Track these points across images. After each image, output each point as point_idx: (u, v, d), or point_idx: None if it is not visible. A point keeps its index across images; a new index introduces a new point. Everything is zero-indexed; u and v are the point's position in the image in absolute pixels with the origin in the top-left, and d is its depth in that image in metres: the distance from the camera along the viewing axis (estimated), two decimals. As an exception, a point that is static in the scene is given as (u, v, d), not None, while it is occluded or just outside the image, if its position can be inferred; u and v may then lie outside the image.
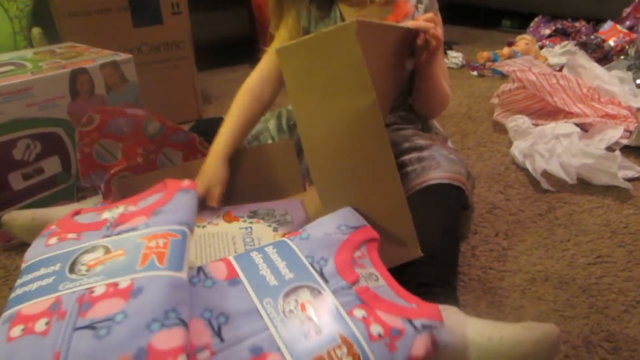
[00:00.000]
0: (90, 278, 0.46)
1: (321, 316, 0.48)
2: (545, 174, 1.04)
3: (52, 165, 0.92)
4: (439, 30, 0.74)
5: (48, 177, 0.92)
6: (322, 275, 0.53)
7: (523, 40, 1.93)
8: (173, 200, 0.57)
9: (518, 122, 1.21)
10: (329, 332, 0.47)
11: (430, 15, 0.75)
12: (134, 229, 0.52)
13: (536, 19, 2.25)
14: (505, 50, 1.89)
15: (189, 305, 0.45)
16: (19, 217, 0.83)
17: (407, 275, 0.68)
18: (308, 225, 0.61)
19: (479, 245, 0.86)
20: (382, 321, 0.49)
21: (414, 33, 0.75)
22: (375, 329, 0.48)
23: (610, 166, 0.98)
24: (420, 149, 0.83)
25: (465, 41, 2.30)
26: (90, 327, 0.41)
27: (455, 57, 1.97)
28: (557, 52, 1.84)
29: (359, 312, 0.50)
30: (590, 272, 0.78)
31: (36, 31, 1.36)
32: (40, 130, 0.89)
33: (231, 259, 0.55)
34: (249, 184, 0.90)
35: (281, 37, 0.89)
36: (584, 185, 1.02)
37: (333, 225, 0.60)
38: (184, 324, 0.43)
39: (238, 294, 0.50)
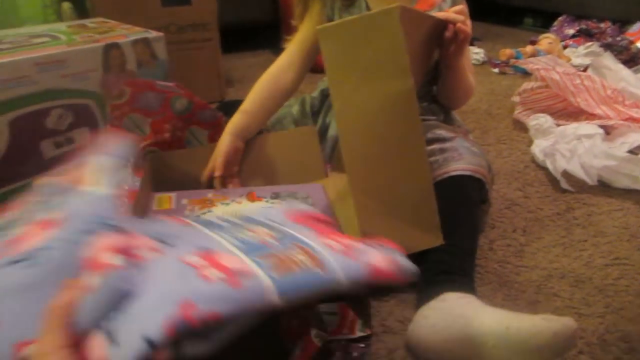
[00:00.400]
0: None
1: (276, 236, 0.48)
2: (565, 174, 1.05)
3: (82, 136, 0.94)
4: (468, 23, 0.75)
5: (78, 147, 0.94)
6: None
7: (547, 39, 1.92)
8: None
9: (540, 120, 1.22)
10: (284, 243, 0.46)
11: (460, 7, 0.76)
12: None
13: (560, 18, 2.23)
14: (528, 48, 1.88)
15: (129, 222, 0.44)
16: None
17: (427, 262, 0.70)
18: None
19: (497, 240, 0.87)
20: (338, 240, 0.49)
21: (443, 24, 0.75)
22: (331, 242, 0.48)
23: (632, 169, 0.99)
24: (442, 140, 0.83)
25: (486, 38, 2.29)
26: (23, 260, 0.38)
27: (476, 53, 1.96)
28: (581, 53, 1.83)
29: (312, 233, 0.50)
30: (607, 273, 0.78)
31: (66, 5, 1.37)
32: (73, 101, 0.90)
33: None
34: (272, 168, 0.91)
35: (305, 27, 0.90)
36: (604, 188, 1.03)
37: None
38: (120, 229, 0.42)
39: (190, 230, 0.49)
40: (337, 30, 0.65)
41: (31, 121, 0.86)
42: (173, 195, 0.82)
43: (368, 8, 0.84)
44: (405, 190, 0.67)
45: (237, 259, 0.43)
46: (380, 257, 0.47)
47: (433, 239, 0.68)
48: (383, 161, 0.67)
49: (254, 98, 0.88)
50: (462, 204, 0.75)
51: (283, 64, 0.89)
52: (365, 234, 0.66)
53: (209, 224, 0.51)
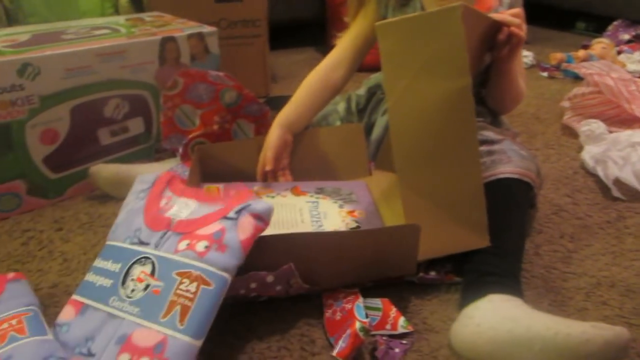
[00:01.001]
0: None
1: (155, 273, 0.52)
2: (617, 181, 1.01)
3: (136, 125, 0.98)
4: (523, 27, 0.74)
5: (132, 136, 0.98)
6: (141, 243, 0.56)
7: (600, 44, 1.86)
8: (6, 291, 0.61)
9: (592, 126, 1.18)
10: (167, 278, 0.51)
11: (517, 10, 0.75)
12: None
13: (615, 23, 2.15)
14: (581, 52, 1.83)
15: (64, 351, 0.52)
16: (104, 170, 0.89)
17: (472, 263, 0.69)
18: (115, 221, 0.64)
19: (543, 245, 0.85)
20: (203, 235, 0.54)
21: (497, 26, 0.75)
22: (201, 245, 0.53)
23: (689, 179, 0.95)
24: (490, 142, 0.82)
25: (535, 41, 2.23)
26: None
27: (525, 56, 1.91)
28: (636, 59, 1.77)
29: (183, 244, 0.54)
30: (660, 283, 0.76)
31: (123, 0, 1.42)
32: (129, 92, 0.94)
33: (73, 297, 0.58)
34: (317, 164, 0.92)
35: (358, 24, 0.90)
36: (657, 197, 0.99)
37: (132, 199, 0.64)
38: None
39: (90, 318, 0.53)
40: (397, 26, 0.65)
41: (90, 109, 0.90)
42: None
43: (423, 8, 0.84)
44: (455, 189, 0.67)
45: (149, 332, 0.49)
46: (244, 225, 0.55)
47: (479, 240, 0.68)
48: (434, 159, 0.67)
49: (303, 92, 0.89)
50: (509, 206, 0.74)
51: (334, 61, 0.90)
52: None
53: (94, 292, 0.56)
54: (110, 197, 0.92)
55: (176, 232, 0.56)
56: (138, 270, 0.53)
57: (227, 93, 0.91)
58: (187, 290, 0.50)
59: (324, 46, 2.03)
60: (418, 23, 0.64)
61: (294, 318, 0.67)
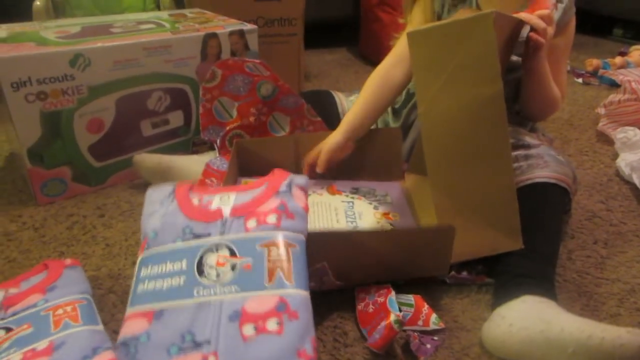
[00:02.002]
0: None
1: (237, 253, 0.55)
2: (653, 190, 1.00)
3: (176, 118, 1.01)
4: (549, 30, 0.73)
5: (172, 128, 1.01)
6: (198, 236, 0.57)
7: (638, 51, 1.83)
8: (63, 276, 0.63)
9: (628, 134, 1.17)
10: (253, 252, 0.54)
11: (546, 12, 0.73)
12: (32, 306, 0.58)
13: (654, 31, 2.11)
14: (618, 59, 1.80)
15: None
16: (147, 159, 0.92)
17: (506, 265, 0.70)
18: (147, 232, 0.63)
19: (576, 250, 0.85)
20: (267, 211, 0.57)
21: (522, 25, 0.75)
22: (272, 217, 0.57)
23: None
24: (527, 146, 0.82)
25: (571, 46, 2.20)
26: None
27: (560, 61, 1.89)
28: (675, 68, 1.73)
29: (252, 222, 0.57)
30: (695, 293, 0.75)
31: (165, -4, 1.46)
32: (172, 85, 0.97)
33: (134, 309, 0.53)
34: (354, 163, 0.93)
35: (415, 20, 0.91)
36: (695, 207, 0.98)
37: (156, 208, 0.64)
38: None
39: (173, 318, 0.51)
40: (428, 34, 0.66)
41: (134, 101, 0.94)
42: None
43: (478, 6, 0.84)
44: (487, 193, 0.68)
45: (261, 298, 0.52)
46: (298, 194, 0.61)
47: (513, 243, 0.68)
48: (466, 164, 0.68)
49: (366, 95, 0.88)
50: (545, 210, 0.74)
51: (394, 59, 0.89)
52: None
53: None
54: (149, 186, 0.95)
55: (237, 216, 0.58)
56: (214, 257, 0.54)
57: (264, 85, 0.92)
58: (280, 255, 0.53)
59: (356, 47, 2.04)
60: (450, 30, 0.64)
61: (327, 310, 0.68)
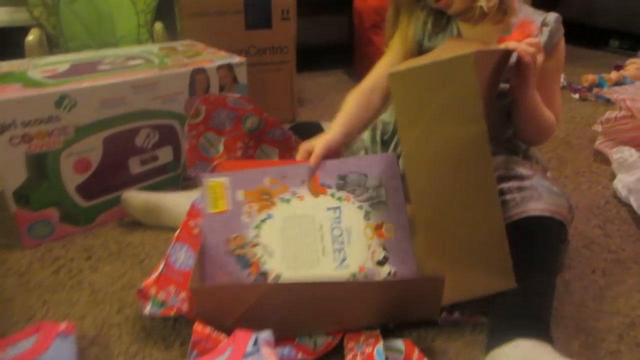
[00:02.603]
0: None
1: None
2: (652, 213, 0.98)
3: (165, 154, 1.00)
4: (539, 57, 0.71)
5: (161, 165, 1.00)
6: None
7: (634, 65, 1.82)
8: (51, 349, 0.59)
9: (624, 154, 1.15)
10: None
11: (535, 40, 0.72)
12: None
13: (650, 43, 2.11)
14: (613, 74, 1.79)
15: None
16: (135, 197, 0.92)
17: (499, 304, 0.68)
18: None
19: (573, 281, 0.83)
20: None
21: (510, 54, 0.74)
22: None
23: None
24: (520, 177, 0.80)
25: (567, 60, 2.17)
26: None
27: (556, 77, 1.88)
28: (673, 81, 1.72)
29: None
30: (697, 325, 0.73)
31: (158, 26, 1.47)
32: (160, 122, 0.97)
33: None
34: None
35: (394, 46, 0.90)
36: (695, 230, 0.96)
37: None
38: None
39: None
40: (409, 75, 0.65)
41: (122, 139, 0.93)
42: (226, 180, 0.77)
43: (459, 33, 0.84)
44: (476, 234, 0.66)
45: None
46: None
47: (506, 282, 0.66)
48: (452, 205, 0.67)
49: (344, 115, 0.86)
50: (540, 245, 0.72)
51: (373, 85, 0.88)
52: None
53: None
54: (139, 224, 0.94)
55: None
56: None
57: (249, 119, 0.91)
58: None
59: (352, 69, 2.04)
60: (430, 71, 0.64)
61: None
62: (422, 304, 0.68)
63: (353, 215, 0.76)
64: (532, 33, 0.78)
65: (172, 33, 1.45)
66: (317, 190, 0.78)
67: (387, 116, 1.03)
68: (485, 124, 0.62)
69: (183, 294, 0.69)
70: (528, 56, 0.70)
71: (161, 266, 0.69)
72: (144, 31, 1.44)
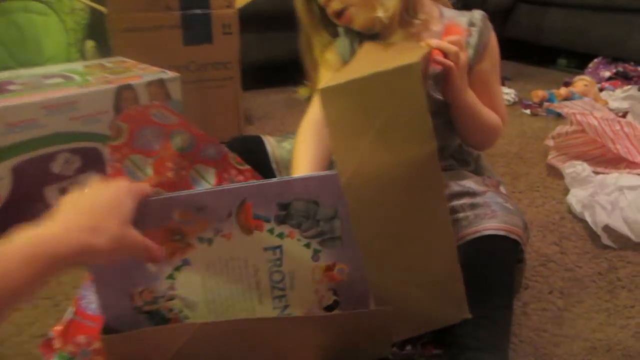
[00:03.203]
0: None
1: None
2: (607, 228, 0.96)
3: (89, 181, 0.91)
4: (462, 56, 0.67)
5: (84, 192, 0.91)
6: None
7: (582, 82, 1.84)
8: None
9: (577, 168, 1.13)
10: None
11: (456, 38, 0.68)
12: None
13: (595, 60, 2.16)
14: (563, 90, 1.81)
15: None
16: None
17: (454, 335, 0.62)
18: None
19: (531, 303, 0.78)
20: None
21: (430, 52, 0.69)
22: None
23: (682, 226, 0.89)
24: (473, 194, 0.75)
25: (518, 77, 2.22)
26: None
27: (507, 93, 1.89)
28: (619, 96, 1.75)
29: None
30: (660, 347, 0.69)
31: (89, 44, 1.38)
32: (81, 145, 0.88)
33: None
34: None
35: (325, 78, 0.83)
36: (649, 245, 0.93)
37: None
38: None
39: None
40: (345, 90, 0.55)
41: (36, 166, 0.83)
42: None
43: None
44: (426, 264, 0.59)
45: None
46: None
47: (459, 313, 0.60)
48: (401, 237, 0.58)
49: (301, 149, 0.79)
50: (495, 268, 0.67)
51: (315, 118, 0.80)
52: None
53: None
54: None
55: None
56: None
57: (179, 136, 0.82)
58: None
59: (302, 86, 1.99)
60: (370, 85, 0.55)
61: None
62: (370, 339, 0.60)
63: (298, 255, 0.59)
64: (460, 33, 0.75)
65: (106, 52, 1.36)
66: (249, 225, 0.57)
67: None
68: (435, 143, 0.55)
69: (96, 345, 0.59)
70: (451, 55, 0.66)
71: (69, 312, 0.60)
72: (74, 50, 1.35)
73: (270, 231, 0.57)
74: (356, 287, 0.61)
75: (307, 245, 0.58)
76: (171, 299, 0.58)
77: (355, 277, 0.60)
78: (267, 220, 0.57)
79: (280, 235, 0.58)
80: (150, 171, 0.81)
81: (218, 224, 0.56)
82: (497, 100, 0.80)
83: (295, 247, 0.58)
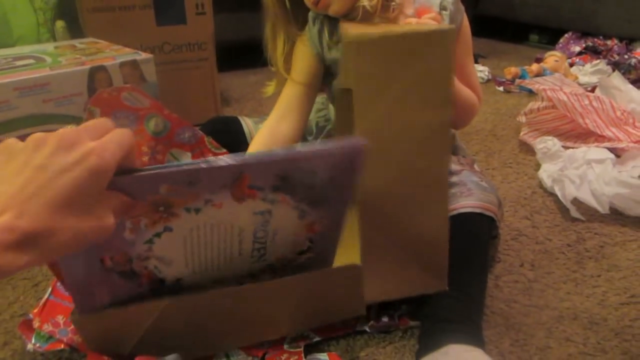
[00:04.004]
0: None
1: None
2: (575, 201, 0.99)
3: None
4: None
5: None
6: None
7: (552, 57, 1.87)
8: None
9: (547, 144, 1.16)
10: None
11: (433, 15, 0.69)
12: None
13: (566, 35, 2.19)
14: (534, 66, 1.84)
15: None
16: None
17: (430, 306, 0.64)
18: None
19: (503, 275, 0.81)
20: None
21: None
22: None
23: (646, 198, 0.93)
24: (449, 173, 0.78)
25: (491, 55, 2.25)
26: None
27: (481, 71, 1.92)
28: (588, 71, 1.79)
29: None
30: (623, 313, 0.73)
31: (59, 24, 1.34)
32: (54, 127, 0.86)
33: None
34: None
35: (298, 69, 0.82)
36: (616, 216, 0.97)
37: None
38: None
39: None
40: (375, 45, 0.54)
41: (10, 149, 0.82)
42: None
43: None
44: (419, 229, 0.61)
45: None
46: None
47: (438, 283, 0.63)
48: (400, 199, 0.60)
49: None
50: (471, 244, 0.69)
51: (277, 115, 0.81)
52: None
53: None
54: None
55: None
56: None
57: (153, 120, 0.81)
58: None
59: (268, 83, 1.98)
60: (400, 43, 0.54)
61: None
62: (342, 297, 0.61)
63: (285, 216, 0.57)
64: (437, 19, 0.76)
65: (77, 32, 1.33)
66: (243, 194, 0.54)
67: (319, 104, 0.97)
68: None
69: None
70: None
71: (47, 292, 0.60)
72: (44, 30, 1.32)
73: (263, 199, 0.54)
74: (329, 237, 0.61)
75: (296, 208, 0.57)
76: (146, 259, 0.55)
77: (330, 228, 0.60)
78: (261, 189, 0.53)
79: (272, 201, 0.55)
80: None
81: (210, 195, 0.52)
82: (473, 80, 0.81)
83: (285, 209, 0.56)
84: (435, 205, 0.61)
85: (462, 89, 0.76)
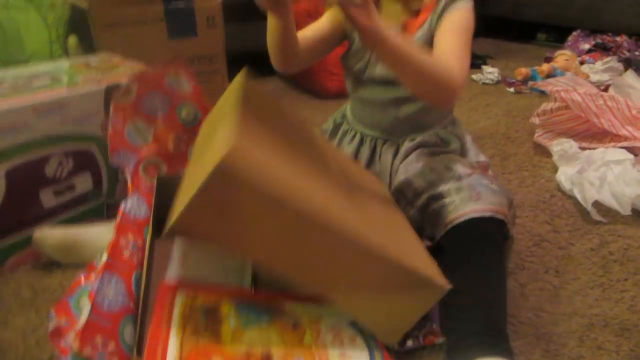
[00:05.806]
0: None
1: None
2: (596, 204, 0.98)
3: (83, 182, 0.89)
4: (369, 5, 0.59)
5: (79, 194, 0.90)
6: None
7: (563, 56, 1.86)
8: None
9: (564, 146, 1.15)
10: None
11: None
12: None
13: (574, 33, 2.18)
14: (544, 66, 1.83)
15: None
16: (49, 235, 0.81)
17: (453, 320, 0.63)
18: None
19: (528, 283, 0.80)
20: None
21: None
22: None
23: (669, 199, 0.92)
24: (459, 178, 0.76)
25: (499, 55, 2.23)
26: None
27: (490, 72, 1.91)
28: (599, 69, 1.77)
29: None
30: (654, 318, 0.72)
31: (72, 40, 1.35)
32: (73, 147, 0.86)
33: None
34: None
35: (327, 16, 0.88)
36: (638, 217, 0.96)
37: None
38: None
39: None
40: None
41: (29, 170, 0.82)
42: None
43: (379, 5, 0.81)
44: (372, 278, 0.57)
45: None
46: None
47: (435, 291, 0.58)
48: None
49: None
50: (485, 249, 0.68)
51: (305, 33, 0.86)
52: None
53: None
54: (58, 264, 0.84)
55: None
56: None
57: (185, 109, 0.81)
58: None
59: (289, 75, 1.98)
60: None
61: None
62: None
63: None
64: (424, 19, 0.79)
65: (89, 47, 1.33)
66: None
67: (329, 124, 0.99)
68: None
69: (112, 346, 0.59)
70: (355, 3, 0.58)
71: (87, 309, 0.59)
72: (57, 47, 1.32)
73: None
74: None
75: None
76: None
77: None
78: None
79: None
80: (150, 138, 0.79)
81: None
82: (453, 52, 0.73)
83: None
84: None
85: (422, 54, 0.67)
